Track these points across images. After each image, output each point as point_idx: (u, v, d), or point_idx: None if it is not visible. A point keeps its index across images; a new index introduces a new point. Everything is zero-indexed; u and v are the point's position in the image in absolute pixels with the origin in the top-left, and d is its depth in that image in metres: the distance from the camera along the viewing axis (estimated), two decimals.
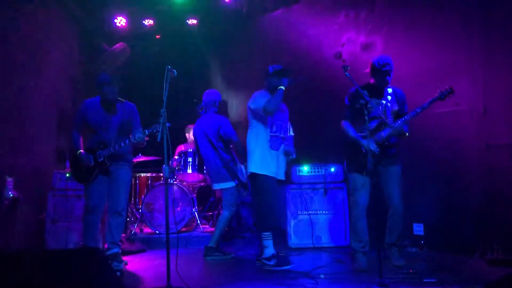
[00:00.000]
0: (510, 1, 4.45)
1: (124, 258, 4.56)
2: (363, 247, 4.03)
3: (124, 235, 5.56)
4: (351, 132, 4.05)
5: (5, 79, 4.73)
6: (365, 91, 3.73)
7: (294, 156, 4.45)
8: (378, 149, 3.89)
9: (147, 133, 3.92)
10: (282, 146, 4.29)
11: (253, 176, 4.23)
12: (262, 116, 4.20)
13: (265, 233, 4.13)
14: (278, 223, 4.31)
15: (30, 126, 5.17)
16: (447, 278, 3.45)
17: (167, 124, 3.72)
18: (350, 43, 5.99)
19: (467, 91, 4.60)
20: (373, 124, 3.98)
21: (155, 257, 4.92)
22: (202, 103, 5.03)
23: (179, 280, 3.35)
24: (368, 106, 3.85)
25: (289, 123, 4.51)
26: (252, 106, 4.24)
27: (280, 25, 6.75)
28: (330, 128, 5.82)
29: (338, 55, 6.03)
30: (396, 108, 4.13)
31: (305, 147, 5.75)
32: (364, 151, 3.91)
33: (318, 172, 5.27)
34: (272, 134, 4.25)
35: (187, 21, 7.24)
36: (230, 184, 4.81)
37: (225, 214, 4.82)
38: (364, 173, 3.91)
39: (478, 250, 4.08)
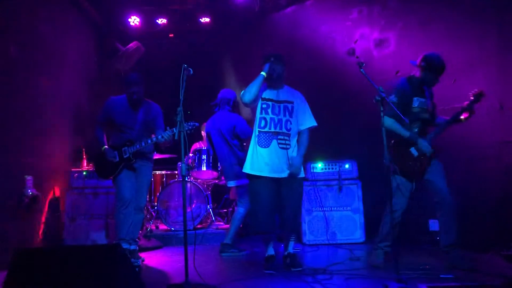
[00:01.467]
0: None
1: (141, 254, 4.62)
2: (387, 246, 3.97)
3: (140, 232, 5.64)
4: (403, 131, 3.83)
5: (23, 80, 4.81)
6: (411, 87, 3.73)
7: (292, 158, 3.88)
8: (432, 150, 3.80)
9: (175, 131, 3.90)
10: (275, 142, 3.83)
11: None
12: (252, 109, 3.93)
13: (262, 236, 4.07)
14: (264, 228, 3.88)
15: (48, 126, 5.26)
16: (464, 275, 3.45)
17: (196, 124, 3.84)
18: (363, 40, 5.98)
19: (483, 87, 4.56)
20: (417, 126, 3.89)
21: (171, 254, 4.98)
22: (217, 100, 5.05)
23: (196, 276, 3.39)
24: (415, 105, 3.86)
25: (303, 115, 3.97)
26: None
27: (293, 22, 6.74)
28: (344, 124, 5.86)
29: (351, 52, 6.03)
30: (433, 105, 4.02)
31: (320, 144, 5.76)
32: (416, 153, 3.82)
33: (332, 168, 5.28)
34: (260, 129, 3.86)
35: (200, 19, 7.28)
36: (244, 181, 4.77)
37: (240, 211, 4.84)
38: (413, 179, 3.87)
39: (495, 246, 4.06)
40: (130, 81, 4.28)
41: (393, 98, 3.79)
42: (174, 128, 3.95)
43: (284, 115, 3.88)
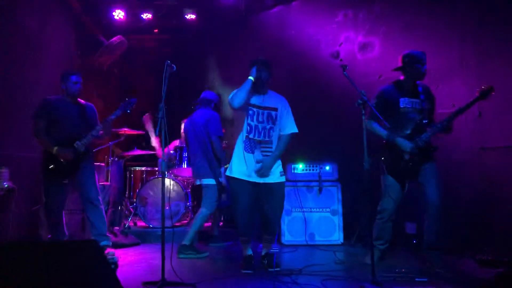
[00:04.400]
0: (501, 6, 4.51)
1: (118, 251, 4.57)
2: (381, 244, 4.04)
3: (118, 228, 5.59)
4: (380, 130, 3.91)
5: (3, 72, 4.71)
6: (397, 90, 3.77)
7: (260, 164, 3.84)
8: (417, 152, 3.80)
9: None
10: (257, 150, 3.87)
11: (229, 179, 4.03)
12: (240, 115, 3.96)
13: (240, 238, 4.07)
14: (243, 230, 3.97)
15: (28, 118, 5.15)
16: (439, 278, 3.50)
17: (134, 100, 4.04)
18: (348, 43, 6.03)
19: (462, 93, 4.66)
20: (409, 126, 3.89)
21: (148, 251, 4.93)
22: (198, 100, 4.98)
23: (173, 275, 3.37)
24: (403, 106, 3.89)
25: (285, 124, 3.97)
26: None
27: (279, 22, 6.76)
28: (326, 126, 5.89)
29: (336, 54, 6.07)
30: (429, 106, 3.98)
31: (301, 145, 5.78)
32: (403, 155, 3.84)
33: (313, 170, 5.30)
34: (247, 135, 3.87)
35: (186, 16, 7.23)
36: (209, 181, 4.70)
37: (203, 211, 4.68)
38: (403, 180, 3.90)
39: (469, 250, 4.13)
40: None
41: (372, 102, 3.89)
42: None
43: (268, 123, 3.90)
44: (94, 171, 4.45)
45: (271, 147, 3.91)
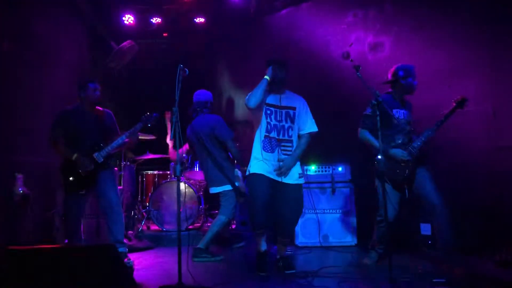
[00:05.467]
0: None
1: (132, 255, 4.59)
2: (381, 248, 4.12)
3: (132, 232, 5.61)
4: (374, 141, 3.97)
5: (17, 78, 4.75)
6: (391, 100, 3.89)
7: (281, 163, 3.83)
8: (411, 159, 3.90)
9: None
10: (278, 149, 3.84)
11: (248, 177, 3.94)
12: (256, 114, 3.88)
13: (255, 231, 3.91)
14: (258, 219, 3.78)
15: (40, 124, 5.19)
16: (456, 279, 3.47)
17: (155, 115, 3.82)
18: (358, 43, 6.00)
19: (476, 92, 4.62)
20: (400, 136, 4.02)
21: (162, 254, 4.94)
22: (194, 105, 4.88)
23: (189, 278, 3.37)
24: (396, 116, 3.99)
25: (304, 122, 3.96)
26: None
27: (288, 24, 6.74)
28: (338, 127, 5.86)
29: (346, 55, 6.04)
30: (412, 117, 4.16)
31: (313, 146, 5.76)
32: (400, 164, 3.93)
33: (326, 171, 5.29)
34: (266, 134, 3.85)
35: (195, 19, 7.25)
36: (225, 187, 4.66)
37: (221, 218, 4.66)
38: (402, 188, 3.95)
39: (487, 251, 4.09)
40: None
41: (368, 110, 4.03)
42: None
43: (286, 122, 3.89)
44: (115, 178, 4.43)
45: (291, 146, 3.89)
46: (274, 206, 3.88)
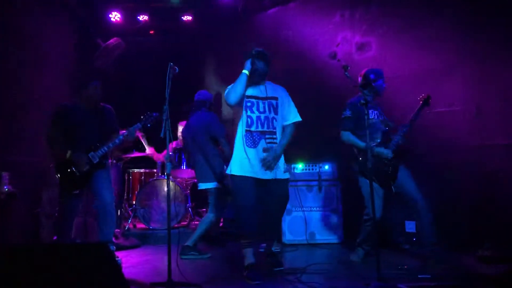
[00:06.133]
0: (500, 5, 4.57)
1: (120, 253, 4.58)
2: (368, 245, 4.20)
3: (118, 230, 5.58)
4: (358, 142, 4.08)
5: (2, 77, 4.69)
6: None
7: (266, 153, 3.68)
8: (393, 156, 4.01)
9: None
10: (262, 142, 3.68)
11: (230, 178, 3.81)
12: (237, 110, 3.74)
13: (242, 241, 3.73)
14: (248, 230, 3.69)
15: (27, 122, 5.14)
16: (441, 274, 3.53)
17: (155, 114, 3.75)
18: (345, 43, 6.06)
19: (461, 91, 4.72)
20: (379, 135, 4.12)
21: (150, 252, 4.94)
22: (194, 103, 4.92)
23: (178, 275, 3.38)
24: (372, 117, 4.10)
25: (288, 111, 3.86)
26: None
27: (276, 23, 6.77)
28: (325, 126, 5.91)
29: (333, 55, 6.10)
30: (385, 117, 4.30)
31: (300, 144, 5.80)
32: (383, 161, 4.02)
33: (312, 169, 5.34)
34: (247, 129, 3.68)
35: (182, 17, 7.23)
36: (214, 185, 4.67)
37: (209, 216, 4.69)
38: (386, 185, 4.03)
39: (470, 247, 4.19)
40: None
41: (347, 113, 4.16)
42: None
43: (270, 112, 3.73)
44: (110, 176, 4.32)
45: (276, 138, 3.74)
46: (260, 205, 3.75)
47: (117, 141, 4.14)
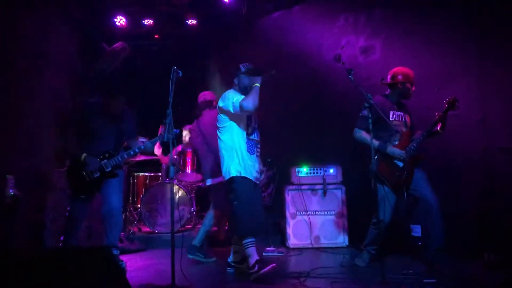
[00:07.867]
0: (505, 9, 4.55)
1: (124, 257, 4.58)
2: (374, 250, 4.15)
3: (123, 234, 5.59)
4: (370, 141, 3.93)
5: (5, 79, 4.71)
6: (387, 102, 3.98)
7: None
8: (408, 159, 4.00)
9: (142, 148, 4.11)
10: (255, 150, 4.02)
11: (233, 181, 3.87)
12: (238, 117, 3.90)
13: (247, 240, 3.79)
14: (261, 228, 3.92)
15: (31, 125, 5.17)
16: (446, 279, 3.52)
17: (176, 131, 3.64)
18: (349, 47, 6.06)
19: (466, 96, 4.68)
20: (398, 137, 4.10)
21: (155, 256, 4.94)
22: (199, 105, 4.95)
23: (182, 279, 3.38)
24: (392, 118, 4.09)
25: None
26: (221, 104, 3.93)
27: (280, 27, 6.77)
28: (330, 129, 5.91)
29: (338, 58, 6.09)
30: (410, 119, 4.27)
31: (305, 148, 5.81)
32: (401, 164, 4.02)
33: (317, 173, 5.32)
34: (248, 137, 3.95)
35: (187, 21, 7.25)
36: (220, 180, 4.55)
37: (211, 212, 4.72)
38: (400, 191, 4.03)
39: (476, 252, 4.15)
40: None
41: (365, 112, 4.01)
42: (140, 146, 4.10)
43: (256, 123, 4.08)
44: (121, 184, 4.27)
45: (259, 148, 4.13)
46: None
47: (131, 153, 4.12)
